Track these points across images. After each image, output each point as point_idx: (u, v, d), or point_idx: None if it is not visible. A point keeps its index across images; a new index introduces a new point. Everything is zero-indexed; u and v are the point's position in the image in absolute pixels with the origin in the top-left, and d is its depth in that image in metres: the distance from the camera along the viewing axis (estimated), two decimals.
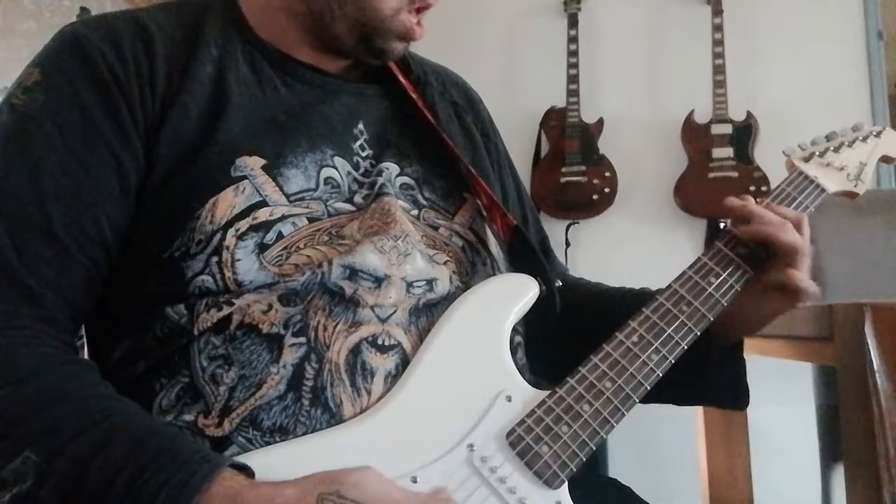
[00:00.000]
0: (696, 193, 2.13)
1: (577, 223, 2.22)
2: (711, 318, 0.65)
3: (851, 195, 0.80)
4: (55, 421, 0.52)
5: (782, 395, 1.74)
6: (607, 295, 0.83)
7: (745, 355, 1.29)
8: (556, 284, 0.70)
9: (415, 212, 0.69)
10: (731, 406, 0.76)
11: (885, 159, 0.85)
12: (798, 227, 0.68)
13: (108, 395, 0.56)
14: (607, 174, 2.19)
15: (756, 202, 0.71)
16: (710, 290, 0.66)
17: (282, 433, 0.56)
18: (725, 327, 0.69)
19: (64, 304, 0.59)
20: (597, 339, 0.63)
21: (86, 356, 0.67)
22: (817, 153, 0.80)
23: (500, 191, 0.80)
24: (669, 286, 0.67)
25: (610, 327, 0.64)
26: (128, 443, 0.51)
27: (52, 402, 0.53)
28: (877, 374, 0.77)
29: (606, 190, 2.18)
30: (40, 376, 0.54)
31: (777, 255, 0.67)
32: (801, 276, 0.66)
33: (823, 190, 0.76)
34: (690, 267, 0.68)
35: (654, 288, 0.72)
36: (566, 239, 2.20)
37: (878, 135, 0.84)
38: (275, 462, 0.54)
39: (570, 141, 2.20)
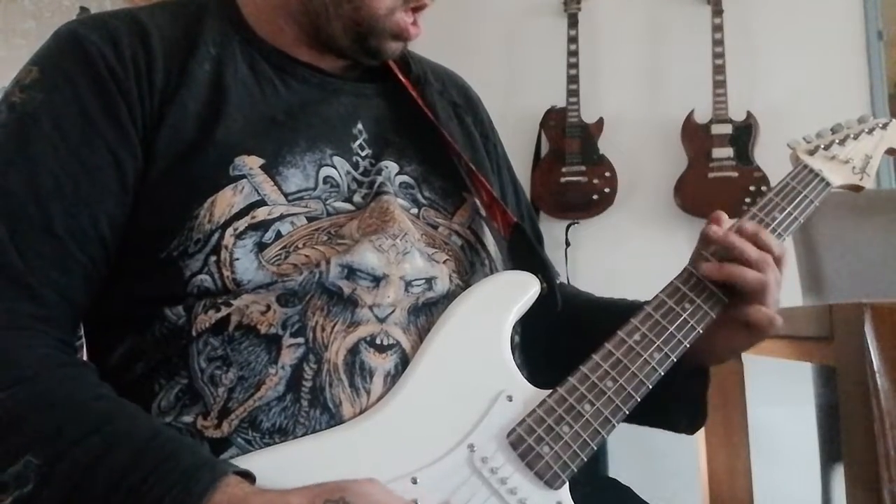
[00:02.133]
0: (696, 193, 2.12)
1: (577, 223, 2.22)
2: (714, 316, 0.65)
3: (857, 188, 0.79)
4: (56, 424, 0.52)
5: (782, 395, 1.74)
6: (595, 306, 0.82)
7: (745, 355, 1.29)
8: (557, 282, 0.69)
9: (414, 210, 0.68)
10: (686, 431, 0.74)
11: (891, 151, 0.84)
12: (778, 261, 0.66)
13: (109, 397, 0.56)
14: (607, 174, 2.18)
15: (751, 210, 0.70)
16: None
17: (281, 434, 0.56)
18: (693, 353, 0.66)
19: (64, 303, 0.59)
20: (581, 349, 0.62)
21: (84, 357, 0.67)
22: (822, 146, 0.79)
23: (499, 191, 0.80)
24: (671, 283, 0.66)
25: (597, 338, 0.63)
26: (131, 448, 0.51)
27: (54, 405, 0.53)
28: (877, 374, 0.76)
29: (606, 190, 2.18)
30: (41, 378, 0.54)
31: (744, 292, 0.65)
32: (766, 312, 0.64)
33: (828, 183, 0.75)
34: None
35: (654, 288, 0.71)
36: (566, 239, 2.20)
37: (885, 126, 0.83)
38: (275, 463, 0.53)
39: (570, 141, 2.20)
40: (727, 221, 0.69)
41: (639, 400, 0.60)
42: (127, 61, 0.62)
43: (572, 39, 2.23)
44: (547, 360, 0.70)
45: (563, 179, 2.19)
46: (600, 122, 2.23)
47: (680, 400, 0.71)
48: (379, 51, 0.70)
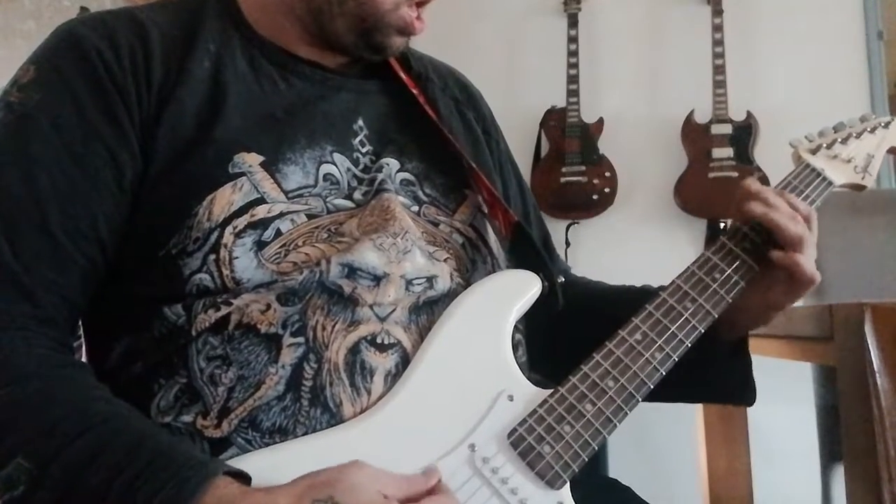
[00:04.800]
0: (696, 193, 2.12)
1: (577, 223, 2.22)
2: (716, 315, 0.65)
3: (859, 187, 0.79)
4: (49, 426, 0.51)
5: (782, 395, 1.73)
6: (609, 293, 0.82)
7: None
8: (559, 280, 0.69)
9: (415, 208, 0.68)
10: (739, 402, 0.76)
11: (893, 150, 0.84)
12: (808, 221, 0.68)
13: (104, 398, 0.55)
14: (607, 174, 2.18)
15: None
16: (714, 286, 0.65)
17: (281, 434, 0.56)
18: (730, 322, 0.69)
19: (61, 303, 0.59)
20: (598, 338, 0.63)
21: (83, 356, 0.67)
22: (824, 145, 0.79)
23: (502, 187, 0.80)
24: (673, 282, 0.66)
25: (611, 326, 0.63)
26: (122, 449, 0.50)
27: (47, 407, 0.53)
28: (877, 374, 0.77)
29: (606, 190, 2.18)
30: (36, 379, 0.54)
31: (783, 245, 0.66)
32: (807, 262, 0.65)
33: (830, 183, 0.75)
34: (695, 263, 0.67)
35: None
36: (566, 239, 2.20)
37: (887, 125, 0.83)
38: (274, 463, 0.53)
39: (570, 141, 2.20)
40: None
41: (640, 400, 0.60)
42: (125, 60, 0.62)
43: (572, 39, 2.23)
44: (550, 358, 0.69)
45: (563, 179, 2.19)
46: (600, 122, 2.23)
47: (727, 377, 0.72)
48: (383, 46, 0.70)
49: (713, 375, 0.71)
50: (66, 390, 0.54)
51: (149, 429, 0.54)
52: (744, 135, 2.11)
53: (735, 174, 2.09)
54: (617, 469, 1.93)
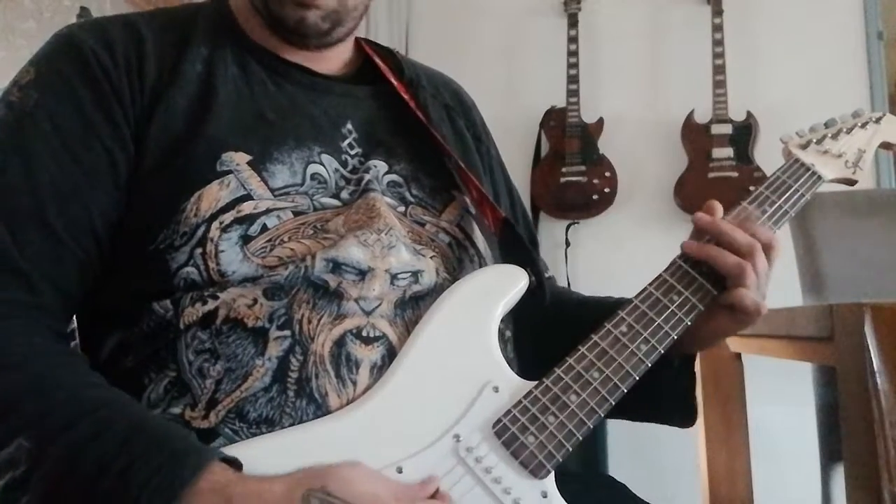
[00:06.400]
0: (696, 193, 2.12)
1: (577, 223, 2.22)
2: (703, 308, 0.64)
3: (850, 182, 0.79)
4: (48, 409, 0.52)
5: (782, 395, 1.73)
6: (584, 302, 0.81)
7: (745, 355, 1.28)
8: (546, 276, 0.69)
9: (401, 208, 0.69)
10: (678, 424, 0.74)
11: (885, 146, 0.84)
12: (768, 249, 0.65)
13: (100, 384, 0.56)
14: (607, 174, 2.18)
15: (742, 204, 0.70)
16: (700, 279, 0.65)
17: (268, 424, 0.56)
18: (678, 340, 0.65)
19: (58, 293, 0.60)
20: (568, 343, 0.62)
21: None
22: (815, 140, 0.79)
23: (492, 192, 0.80)
24: (660, 276, 0.66)
25: (583, 333, 0.63)
26: (120, 433, 0.51)
27: (45, 390, 0.53)
28: (877, 374, 0.76)
29: (606, 190, 2.18)
30: (32, 364, 0.55)
31: (727, 276, 0.64)
32: (750, 297, 0.63)
33: (820, 177, 0.75)
34: (680, 256, 0.67)
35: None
36: (566, 239, 2.20)
37: (878, 121, 0.83)
38: (261, 453, 0.54)
39: (570, 141, 2.20)
40: (720, 211, 0.69)
41: (625, 391, 0.60)
42: (120, 61, 0.64)
43: (572, 39, 2.23)
44: (537, 355, 0.69)
45: (563, 179, 2.19)
46: (600, 122, 2.23)
47: (670, 397, 0.71)
48: (281, 18, 0.68)
49: (655, 395, 0.68)
50: (63, 376, 0.55)
51: (144, 414, 0.55)
52: (744, 135, 2.11)
53: (735, 174, 2.09)
54: (616, 468, 1.93)
